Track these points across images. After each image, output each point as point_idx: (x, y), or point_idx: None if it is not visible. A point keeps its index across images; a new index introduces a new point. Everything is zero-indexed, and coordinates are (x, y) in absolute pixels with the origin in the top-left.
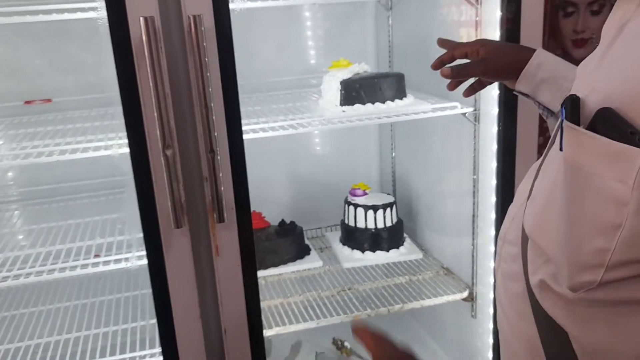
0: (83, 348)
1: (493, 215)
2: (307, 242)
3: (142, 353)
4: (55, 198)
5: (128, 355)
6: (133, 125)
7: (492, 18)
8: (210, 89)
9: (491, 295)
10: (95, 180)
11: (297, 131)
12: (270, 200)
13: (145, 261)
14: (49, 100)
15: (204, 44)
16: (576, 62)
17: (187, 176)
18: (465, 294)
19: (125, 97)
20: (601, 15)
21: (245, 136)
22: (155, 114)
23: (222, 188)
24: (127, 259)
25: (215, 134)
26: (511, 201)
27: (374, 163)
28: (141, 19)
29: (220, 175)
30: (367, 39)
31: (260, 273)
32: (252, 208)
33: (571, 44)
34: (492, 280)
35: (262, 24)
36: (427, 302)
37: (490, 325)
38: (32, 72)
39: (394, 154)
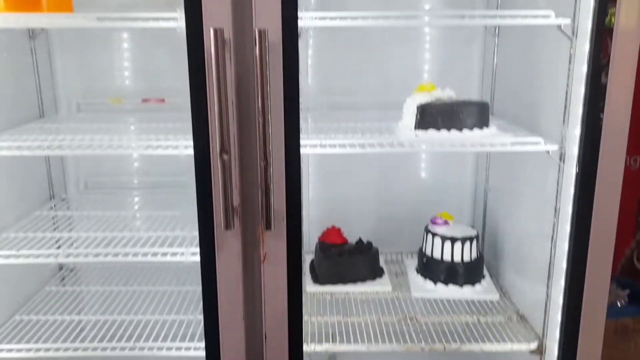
0: (131, 332)
1: (564, 265)
2: (382, 264)
3: (187, 345)
4: (133, 190)
5: (176, 344)
6: (199, 129)
7: (584, 52)
8: (270, 101)
9: (556, 352)
10: (173, 178)
11: (363, 151)
12: (355, 218)
13: (198, 257)
14: (162, 100)
15: (267, 57)
16: None
17: (248, 182)
18: (534, 345)
19: (194, 102)
20: None
21: (310, 150)
22: (216, 120)
23: (272, 197)
24: (182, 254)
25: (271, 145)
26: (585, 250)
27: (467, 193)
28: (211, 29)
29: (272, 184)
30: (473, 63)
31: (328, 288)
32: (334, 223)
33: None
34: (558, 334)
35: (370, 43)
36: (488, 347)
37: None
38: (152, 74)
39: (487, 185)
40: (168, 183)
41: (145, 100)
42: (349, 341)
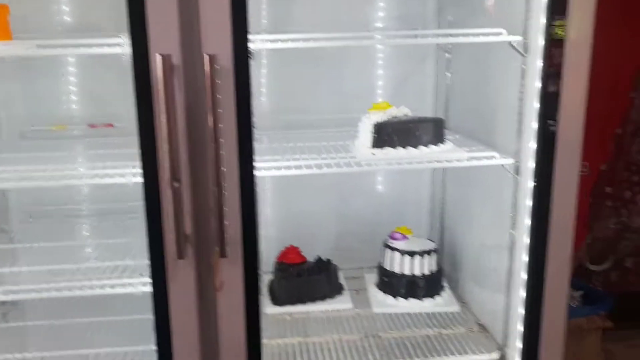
0: None
1: (524, 276)
2: (342, 281)
3: None
4: (81, 218)
5: None
6: (147, 157)
7: (536, 67)
8: (221, 125)
9: None
10: (124, 204)
11: (320, 171)
12: (312, 236)
13: (150, 288)
14: (110, 125)
15: (217, 81)
16: None
17: (200, 209)
18: (495, 355)
19: (142, 130)
20: None
21: (267, 172)
22: (165, 147)
23: (226, 222)
24: (132, 284)
25: (224, 168)
26: (544, 260)
27: (425, 207)
28: (158, 56)
29: (225, 210)
30: (426, 80)
31: (287, 308)
32: (292, 242)
33: None
34: (520, 345)
35: (324, 62)
36: None
37: None
38: (99, 98)
39: (444, 198)
40: (119, 209)
41: (92, 126)
42: None
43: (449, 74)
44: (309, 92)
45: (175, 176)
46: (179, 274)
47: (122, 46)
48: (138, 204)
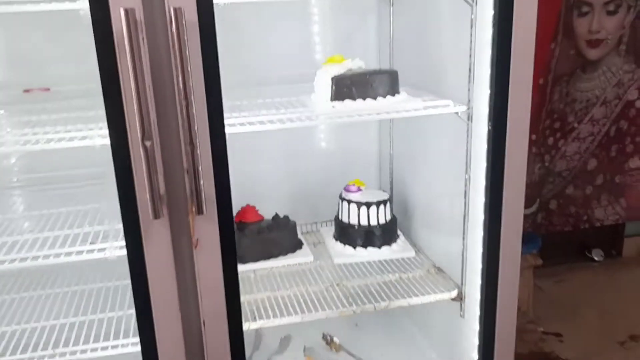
0: (58, 337)
1: (482, 217)
2: (300, 236)
3: (121, 342)
4: (45, 186)
5: (109, 343)
6: (114, 116)
7: (486, 16)
8: (191, 82)
9: (478, 296)
10: (84, 170)
11: (285, 126)
12: (267, 194)
13: (124, 252)
14: (47, 89)
15: (185, 37)
16: (590, 62)
17: (169, 168)
18: (454, 293)
19: (106, 88)
20: (617, 15)
21: (231, 129)
22: (135, 106)
23: (202, 180)
24: (105, 249)
25: (196, 126)
26: (500, 203)
27: (373, 159)
28: (122, 10)
29: (200, 167)
30: (369, 33)
31: (251, 266)
32: (248, 202)
33: (585, 44)
34: (479, 281)
35: (266, 17)
36: (415, 301)
37: (477, 326)
38: (33, 61)
39: (392, 150)
40: (66, 177)
41: (27, 91)
42: (282, 314)
43: (392, 27)
44: (252, 49)
45: (146, 135)
46: (155, 235)
47: (75, 1)
48: (87, 170)
